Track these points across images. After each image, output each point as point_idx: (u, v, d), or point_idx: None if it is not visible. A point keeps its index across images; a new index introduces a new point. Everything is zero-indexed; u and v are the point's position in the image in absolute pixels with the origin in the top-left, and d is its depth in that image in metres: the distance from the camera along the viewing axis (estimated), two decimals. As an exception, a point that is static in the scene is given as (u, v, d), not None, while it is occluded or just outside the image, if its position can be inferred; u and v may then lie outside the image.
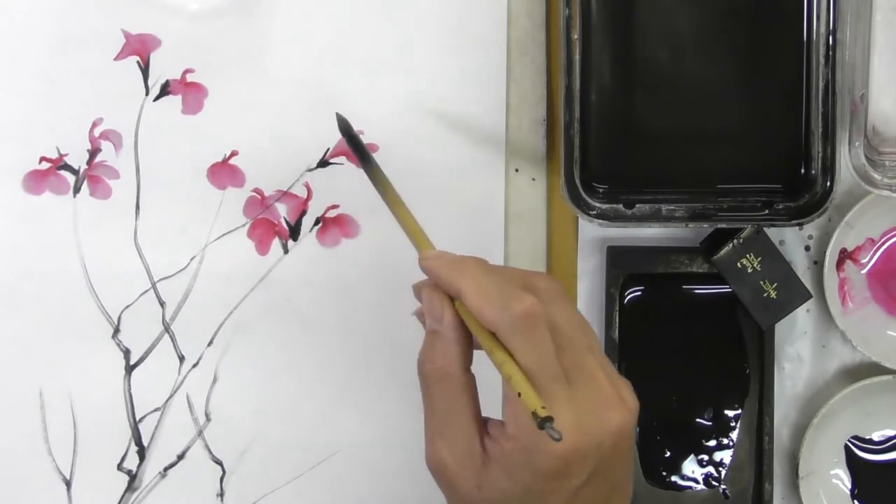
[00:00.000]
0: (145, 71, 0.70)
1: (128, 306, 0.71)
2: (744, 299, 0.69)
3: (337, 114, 0.62)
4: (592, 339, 0.54)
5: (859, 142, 0.67)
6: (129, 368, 0.71)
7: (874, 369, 0.71)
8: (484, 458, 0.53)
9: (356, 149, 0.61)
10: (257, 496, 0.71)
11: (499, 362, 0.52)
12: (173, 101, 0.70)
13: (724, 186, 0.68)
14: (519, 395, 0.50)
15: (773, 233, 0.70)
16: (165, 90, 0.70)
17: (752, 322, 0.70)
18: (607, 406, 0.52)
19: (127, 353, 0.71)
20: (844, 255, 0.71)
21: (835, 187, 0.66)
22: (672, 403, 0.71)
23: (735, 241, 0.68)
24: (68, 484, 0.71)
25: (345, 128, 0.62)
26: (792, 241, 0.72)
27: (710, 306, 0.71)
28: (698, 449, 0.72)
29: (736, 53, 0.68)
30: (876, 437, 0.73)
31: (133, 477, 0.71)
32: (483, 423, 0.54)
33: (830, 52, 0.66)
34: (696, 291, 0.71)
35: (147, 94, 0.70)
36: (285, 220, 0.71)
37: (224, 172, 0.70)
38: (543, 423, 0.48)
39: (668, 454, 0.71)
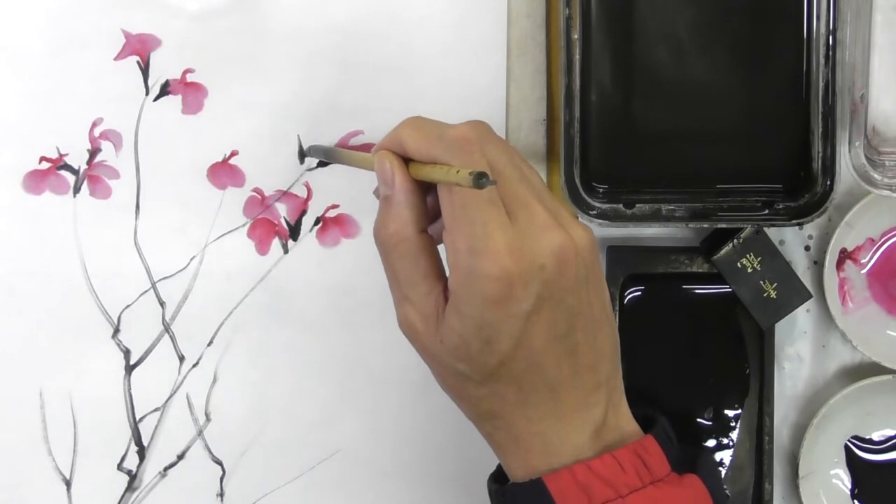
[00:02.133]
0: (145, 71, 0.70)
1: (128, 306, 0.71)
2: (744, 299, 0.69)
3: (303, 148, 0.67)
4: (526, 171, 0.55)
5: (859, 142, 0.67)
6: (129, 368, 0.71)
7: (874, 369, 0.71)
8: (445, 310, 0.54)
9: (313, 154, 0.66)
10: (257, 496, 0.71)
11: (432, 172, 0.52)
12: (173, 101, 0.70)
13: (724, 186, 0.68)
14: (457, 171, 0.50)
15: (773, 233, 0.70)
16: (165, 90, 0.70)
17: (752, 322, 0.70)
18: (544, 230, 0.52)
19: (127, 353, 0.71)
20: (844, 255, 0.71)
21: (835, 187, 0.66)
22: (672, 403, 0.71)
23: (735, 241, 0.68)
24: (68, 484, 0.71)
25: (307, 152, 0.67)
26: (792, 241, 0.72)
27: (710, 306, 0.71)
28: (698, 449, 0.72)
29: (736, 53, 0.68)
30: (876, 437, 0.73)
31: (133, 477, 0.71)
32: (445, 279, 0.55)
33: (830, 52, 0.66)
34: (696, 291, 0.71)
35: (147, 94, 0.70)
36: (285, 220, 0.71)
37: (224, 172, 0.70)
38: (479, 178, 0.48)
39: (668, 454, 0.71)
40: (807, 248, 0.72)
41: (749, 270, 0.69)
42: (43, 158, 0.70)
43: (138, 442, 0.71)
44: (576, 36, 0.66)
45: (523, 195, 0.53)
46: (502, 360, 0.52)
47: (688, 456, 0.56)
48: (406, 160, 0.55)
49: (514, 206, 0.52)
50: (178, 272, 0.71)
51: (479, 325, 0.52)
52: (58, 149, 0.70)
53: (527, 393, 0.53)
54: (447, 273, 0.54)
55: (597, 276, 0.55)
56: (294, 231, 0.71)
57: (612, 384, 0.56)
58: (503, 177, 0.53)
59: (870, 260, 0.72)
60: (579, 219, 0.70)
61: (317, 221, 0.71)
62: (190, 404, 0.71)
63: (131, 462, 0.71)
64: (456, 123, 0.55)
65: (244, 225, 0.71)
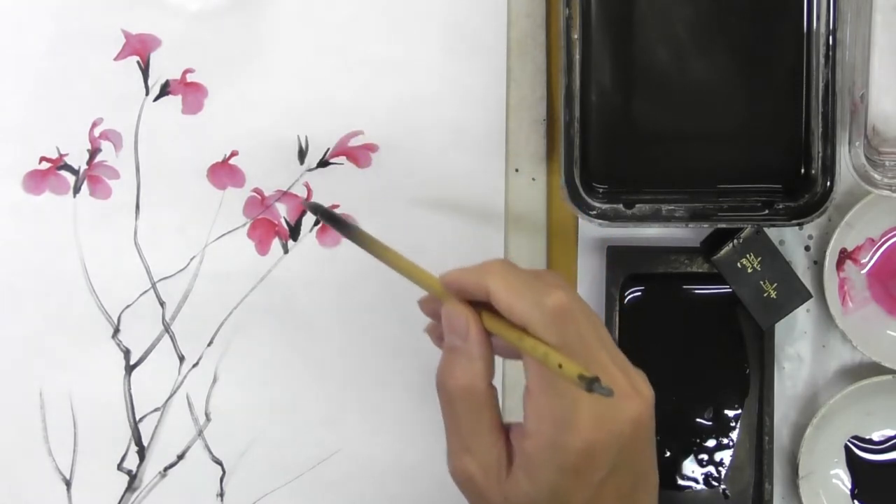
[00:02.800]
0: (145, 71, 0.70)
1: (128, 306, 0.71)
2: (744, 299, 0.69)
3: (306, 202, 0.65)
4: (602, 332, 0.55)
5: (859, 142, 0.67)
6: (129, 368, 0.71)
7: (874, 369, 0.71)
8: (508, 466, 0.53)
9: (331, 221, 0.63)
10: (257, 496, 0.71)
11: (527, 347, 0.52)
12: (173, 101, 0.70)
13: (724, 186, 0.68)
14: (560, 366, 0.50)
15: (773, 233, 0.70)
16: (165, 90, 0.70)
17: (752, 322, 0.70)
18: (622, 397, 0.52)
19: (127, 353, 0.71)
20: (844, 255, 0.71)
21: (835, 187, 0.66)
22: (672, 403, 0.71)
23: (735, 241, 0.68)
24: (68, 484, 0.71)
25: (314, 208, 0.64)
26: (792, 241, 0.72)
27: (710, 306, 0.71)
28: (698, 449, 0.72)
29: (736, 53, 0.68)
30: (876, 437, 0.73)
31: (133, 477, 0.71)
32: (506, 431, 0.54)
33: (830, 52, 0.66)
34: (696, 291, 0.71)
35: (147, 94, 0.70)
36: (285, 220, 0.71)
37: (224, 172, 0.70)
38: (591, 384, 0.48)
39: (668, 454, 0.72)
40: (807, 248, 0.72)
41: (749, 270, 0.69)
42: (43, 158, 0.70)
43: (138, 442, 0.71)
44: (576, 36, 0.66)
45: (604, 361, 0.53)
46: None
47: None
48: (474, 301, 0.54)
49: (595, 372, 0.52)
50: (178, 272, 0.71)
51: (553, 491, 0.52)
52: (58, 149, 0.70)
53: None
54: (503, 422, 0.54)
55: (653, 430, 0.55)
56: (294, 231, 0.71)
57: None
58: (587, 341, 0.53)
59: (870, 260, 0.72)
60: (579, 219, 0.70)
61: (317, 221, 0.71)
62: (190, 404, 0.71)
63: (131, 462, 0.71)
64: (547, 281, 0.54)
65: (244, 225, 0.71)
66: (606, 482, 0.52)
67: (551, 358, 0.50)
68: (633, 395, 0.53)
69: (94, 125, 0.70)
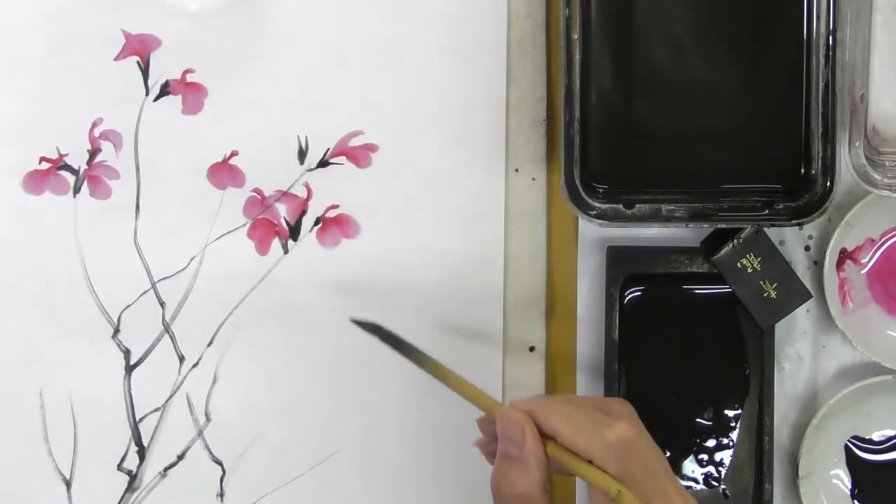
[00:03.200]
0: (145, 71, 0.70)
1: (128, 306, 0.71)
2: (744, 299, 0.69)
3: (358, 322, 0.63)
4: (663, 460, 0.57)
5: (859, 142, 0.67)
6: (129, 368, 0.71)
7: (874, 369, 0.71)
8: None
9: (393, 343, 0.62)
10: (257, 496, 0.71)
11: (588, 475, 0.54)
12: (173, 101, 0.70)
13: (724, 186, 0.68)
14: (618, 493, 0.53)
15: (773, 233, 0.70)
16: (165, 90, 0.70)
17: (752, 322, 0.70)
18: None
19: (127, 353, 0.71)
20: (844, 255, 0.71)
21: (835, 187, 0.66)
22: (672, 403, 0.71)
23: (735, 241, 0.68)
24: (68, 484, 0.71)
25: (374, 329, 0.63)
26: (792, 241, 0.72)
27: (710, 306, 0.71)
28: (698, 449, 0.72)
29: (736, 53, 0.68)
30: (876, 437, 0.73)
31: (133, 477, 0.71)
32: None
33: (830, 52, 0.66)
34: (696, 291, 0.71)
35: (147, 94, 0.70)
36: (285, 220, 0.71)
37: (224, 172, 0.70)
38: None
39: (668, 454, 0.71)
40: (807, 248, 0.72)
41: (749, 270, 0.69)
42: (43, 158, 0.70)
43: (138, 442, 0.71)
44: (576, 36, 0.66)
45: (668, 489, 0.55)
46: None
47: None
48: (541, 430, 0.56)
49: (659, 501, 0.54)
50: (178, 272, 0.71)
51: None
52: (58, 149, 0.70)
53: None
54: None
55: None
56: (294, 231, 0.71)
57: None
58: (654, 471, 0.55)
59: (870, 260, 0.72)
60: (579, 219, 0.70)
61: (317, 221, 0.71)
62: (190, 404, 0.71)
63: (131, 462, 0.71)
64: (604, 409, 0.56)
65: (244, 225, 0.71)
66: None
67: (611, 487, 0.53)
68: None
69: (94, 125, 0.70)
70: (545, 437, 0.56)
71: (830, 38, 0.66)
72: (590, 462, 0.55)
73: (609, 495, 0.53)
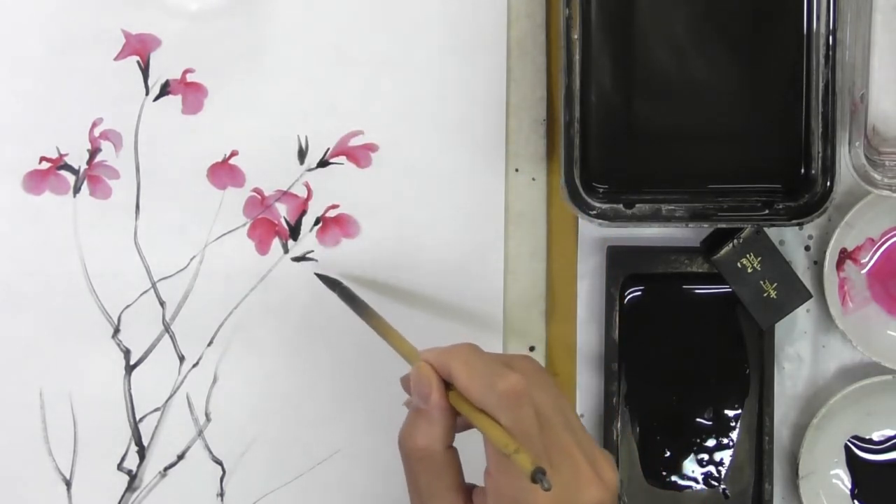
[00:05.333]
0: (145, 71, 0.70)
1: (128, 306, 0.71)
2: (744, 299, 0.69)
3: (320, 276, 0.68)
4: (571, 417, 0.56)
5: (859, 142, 0.67)
6: (129, 368, 0.71)
7: (874, 369, 0.71)
8: None
9: (349, 302, 0.66)
10: (257, 496, 0.71)
11: (485, 429, 0.54)
12: (173, 101, 0.70)
13: (725, 186, 0.68)
14: (515, 450, 0.52)
15: (773, 233, 0.70)
16: (165, 90, 0.70)
17: (752, 322, 0.70)
18: (585, 484, 0.54)
19: (127, 353, 0.71)
20: (844, 255, 0.71)
21: (835, 187, 0.66)
22: (672, 403, 0.71)
23: (735, 241, 0.68)
24: (68, 484, 0.71)
25: (334, 284, 0.67)
26: (792, 241, 0.72)
27: (710, 306, 0.71)
28: (698, 449, 0.72)
29: (736, 53, 0.68)
30: (876, 437, 0.73)
31: (133, 477, 0.71)
32: (468, 493, 0.56)
33: (830, 52, 0.66)
34: (696, 291, 0.71)
35: (147, 94, 0.70)
36: (285, 220, 0.71)
37: (224, 172, 0.70)
38: (536, 475, 0.50)
39: (668, 454, 0.72)
40: (807, 248, 0.72)
41: (749, 270, 0.69)
42: (43, 158, 0.70)
43: (138, 442, 0.71)
44: (576, 36, 0.66)
45: (567, 444, 0.54)
46: None
47: None
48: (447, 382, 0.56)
49: (557, 456, 0.54)
50: (178, 272, 0.71)
51: None
52: (58, 149, 0.70)
53: None
54: (465, 483, 0.56)
55: None
56: (294, 231, 0.71)
57: None
58: (549, 425, 0.54)
59: (870, 260, 0.72)
60: (579, 219, 0.70)
61: (317, 221, 0.71)
62: (190, 404, 0.71)
63: (131, 462, 0.71)
64: (506, 363, 0.56)
65: (244, 225, 0.71)
66: None
67: (505, 445, 0.52)
68: (594, 482, 0.54)
69: (94, 125, 0.70)
70: (450, 387, 0.56)
71: (830, 38, 0.66)
72: (485, 414, 0.54)
73: (505, 451, 0.52)
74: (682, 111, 0.68)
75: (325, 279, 0.68)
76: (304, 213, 0.71)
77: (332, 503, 0.71)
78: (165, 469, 0.71)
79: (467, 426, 0.57)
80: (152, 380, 0.71)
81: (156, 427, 0.71)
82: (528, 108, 0.71)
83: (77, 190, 0.70)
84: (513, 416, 0.53)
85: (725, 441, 0.71)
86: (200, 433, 0.71)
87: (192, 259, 0.71)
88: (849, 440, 0.73)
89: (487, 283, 0.71)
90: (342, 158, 0.71)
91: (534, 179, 0.71)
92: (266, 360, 0.71)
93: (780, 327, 0.71)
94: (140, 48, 0.70)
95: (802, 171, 0.68)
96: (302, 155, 0.70)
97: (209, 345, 0.71)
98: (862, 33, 0.67)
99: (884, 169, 0.68)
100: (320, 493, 0.71)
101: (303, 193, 0.71)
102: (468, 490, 0.57)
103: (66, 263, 0.70)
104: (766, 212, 0.68)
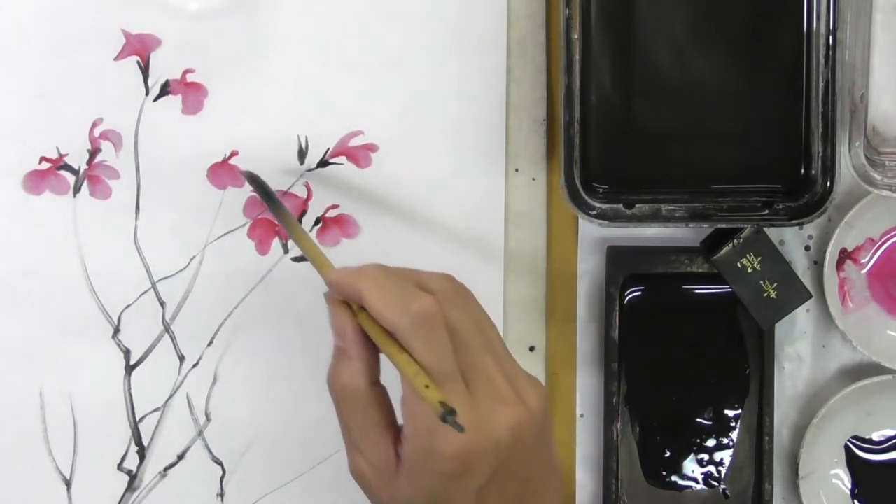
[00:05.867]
0: (145, 71, 0.70)
1: (128, 306, 0.71)
2: (744, 299, 0.69)
3: (242, 171, 0.69)
4: (491, 337, 0.55)
5: (859, 142, 0.67)
6: (129, 368, 0.71)
7: (874, 369, 0.71)
8: (397, 465, 0.54)
9: (261, 192, 0.66)
10: (257, 496, 0.71)
11: (398, 361, 0.52)
12: (173, 101, 0.70)
13: (724, 186, 0.68)
14: (426, 386, 0.50)
15: (773, 233, 0.70)
16: (165, 90, 0.70)
17: (752, 322, 0.70)
18: (502, 404, 0.52)
19: (127, 353, 0.71)
20: (844, 255, 0.71)
21: (835, 187, 0.66)
22: (672, 403, 0.71)
23: (735, 241, 0.68)
24: (68, 484, 0.71)
25: (251, 178, 0.67)
26: (792, 241, 0.72)
27: (710, 306, 0.71)
28: (698, 449, 0.72)
29: (736, 53, 0.68)
30: (876, 437, 0.73)
31: (133, 477, 0.71)
32: (398, 431, 0.55)
33: (830, 52, 0.66)
34: (696, 291, 0.71)
35: (147, 94, 0.70)
36: (285, 220, 0.71)
37: (224, 172, 0.70)
38: (445, 415, 0.49)
39: (668, 454, 0.72)
40: (807, 248, 0.72)
41: (749, 270, 0.69)
42: (43, 158, 0.70)
43: (138, 442, 0.71)
44: (576, 36, 0.66)
45: (484, 364, 0.53)
46: None
47: None
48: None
49: (473, 376, 0.52)
50: (178, 272, 0.71)
51: (431, 497, 0.52)
52: (58, 149, 0.70)
53: None
54: (400, 424, 0.54)
55: (547, 435, 0.55)
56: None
57: None
58: (465, 344, 0.53)
59: (870, 260, 0.72)
60: (579, 219, 0.70)
61: (317, 221, 0.71)
62: (190, 404, 0.71)
63: (131, 462, 0.71)
64: (420, 283, 0.54)
65: (244, 225, 0.71)
66: (488, 490, 0.52)
67: (414, 380, 0.51)
68: (514, 403, 0.52)
69: (94, 125, 0.70)
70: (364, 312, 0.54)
71: (830, 38, 0.66)
72: (395, 340, 0.52)
73: (415, 386, 0.51)
74: (682, 111, 0.68)
75: (244, 173, 0.68)
76: (304, 213, 0.71)
77: (331, 503, 0.71)
78: (165, 469, 0.71)
79: None
80: (152, 380, 0.71)
81: (156, 427, 0.71)
82: (528, 108, 0.71)
83: (77, 190, 0.70)
84: (425, 340, 0.52)
85: (725, 441, 0.71)
86: (200, 433, 0.71)
87: (192, 259, 0.71)
88: (849, 440, 0.73)
89: (487, 282, 0.71)
90: (342, 158, 0.71)
91: (534, 179, 0.71)
92: (266, 360, 0.71)
93: (780, 327, 0.71)
94: (140, 48, 0.70)
95: (802, 171, 0.68)
96: (302, 155, 0.70)
97: (209, 345, 0.71)
98: (862, 33, 0.68)
99: (884, 169, 0.68)
100: (320, 493, 0.71)
101: (303, 193, 0.71)
102: (399, 428, 0.54)
103: (66, 263, 0.70)
104: (766, 212, 0.68)
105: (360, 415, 0.55)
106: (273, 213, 0.65)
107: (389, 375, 0.55)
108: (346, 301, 0.56)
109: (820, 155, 0.67)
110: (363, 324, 0.55)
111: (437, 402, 0.49)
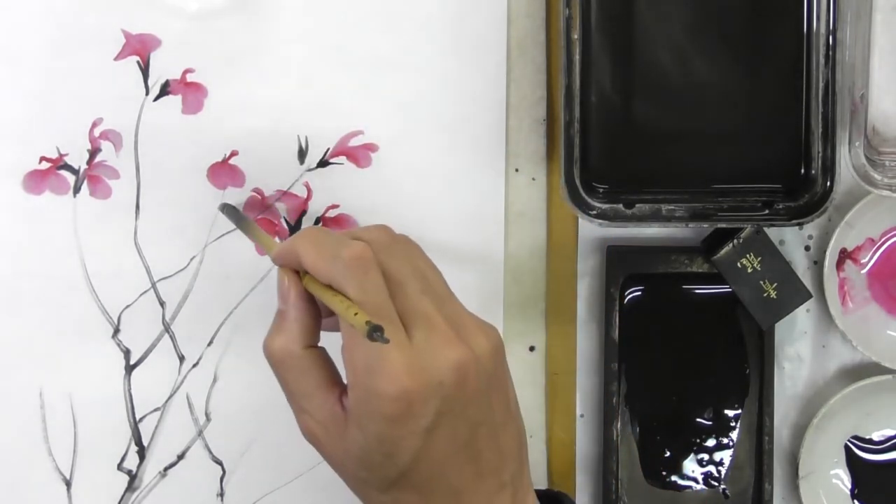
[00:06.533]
0: (145, 71, 0.70)
1: (128, 306, 0.71)
2: (744, 299, 0.69)
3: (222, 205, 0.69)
4: (433, 282, 0.55)
5: (859, 142, 0.67)
6: (129, 368, 0.71)
7: (874, 369, 0.71)
8: (345, 419, 0.54)
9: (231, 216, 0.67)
10: (257, 496, 0.71)
11: (332, 304, 0.52)
12: (173, 101, 0.70)
13: (724, 186, 0.68)
14: (356, 314, 0.50)
15: (773, 233, 0.70)
16: (165, 90, 0.70)
17: (752, 322, 0.70)
18: (443, 345, 0.52)
19: (127, 353, 0.71)
20: (844, 255, 0.72)
21: (835, 187, 0.66)
22: (672, 403, 0.71)
23: (735, 241, 0.69)
24: (68, 484, 0.71)
25: (228, 211, 0.68)
26: (792, 241, 0.72)
27: (710, 306, 0.71)
28: (698, 449, 0.72)
29: (736, 54, 0.68)
30: (876, 437, 0.73)
31: (133, 477, 0.71)
32: (341, 388, 0.55)
33: (830, 52, 0.66)
34: (696, 291, 0.71)
35: (147, 94, 0.70)
36: (285, 220, 0.71)
37: (224, 172, 0.70)
38: (372, 332, 0.48)
39: (668, 454, 0.72)
40: (807, 248, 0.72)
41: (749, 270, 0.69)
42: (43, 158, 0.70)
43: (138, 442, 0.71)
44: (576, 36, 0.66)
45: (423, 308, 0.53)
46: (403, 472, 0.52)
47: None
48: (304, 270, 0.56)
49: (412, 321, 0.52)
50: (178, 272, 0.71)
51: (380, 441, 0.52)
52: (58, 149, 0.70)
53: (428, 499, 0.53)
54: (339, 380, 0.55)
55: (499, 381, 0.54)
56: (294, 231, 0.71)
57: (518, 482, 0.55)
58: (402, 290, 0.53)
59: (870, 260, 0.72)
60: (579, 219, 0.70)
61: (317, 221, 0.71)
62: (190, 404, 0.71)
63: (131, 462, 0.71)
64: (354, 236, 0.55)
65: (244, 225, 0.71)
66: (436, 431, 0.52)
67: (345, 312, 0.51)
68: (455, 344, 0.52)
69: (94, 125, 0.70)
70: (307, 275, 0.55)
71: (830, 38, 0.66)
72: (332, 289, 0.53)
73: (345, 316, 0.51)
74: (681, 111, 0.68)
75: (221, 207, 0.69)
76: (304, 213, 0.71)
77: (331, 503, 0.71)
78: (165, 469, 0.71)
79: (337, 326, 0.55)
80: (152, 380, 0.71)
81: (156, 427, 0.71)
82: (528, 108, 0.71)
83: (77, 190, 0.70)
84: (358, 283, 0.52)
85: (725, 441, 0.72)
86: (200, 433, 0.71)
87: (191, 259, 0.71)
88: (849, 440, 0.73)
89: (487, 282, 0.71)
90: (342, 158, 0.71)
91: (534, 179, 0.71)
92: (266, 360, 0.71)
93: (780, 327, 0.71)
94: (140, 48, 0.70)
95: (802, 171, 0.68)
96: (302, 155, 0.70)
97: (209, 345, 0.71)
98: (862, 33, 0.68)
99: (884, 169, 0.68)
100: (320, 493, 0.71)
101: (303, 193, 0.71)
102: (344, 386, 0.54)
103: (65, 263, 0.70)
104: (766, 212, 0.68)
105: (300, 377, 0.55)
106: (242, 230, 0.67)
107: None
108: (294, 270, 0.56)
109: (820, 155, 0.67)
110: (308, 286, 0.55)
111: (364, 322, 0.49)
